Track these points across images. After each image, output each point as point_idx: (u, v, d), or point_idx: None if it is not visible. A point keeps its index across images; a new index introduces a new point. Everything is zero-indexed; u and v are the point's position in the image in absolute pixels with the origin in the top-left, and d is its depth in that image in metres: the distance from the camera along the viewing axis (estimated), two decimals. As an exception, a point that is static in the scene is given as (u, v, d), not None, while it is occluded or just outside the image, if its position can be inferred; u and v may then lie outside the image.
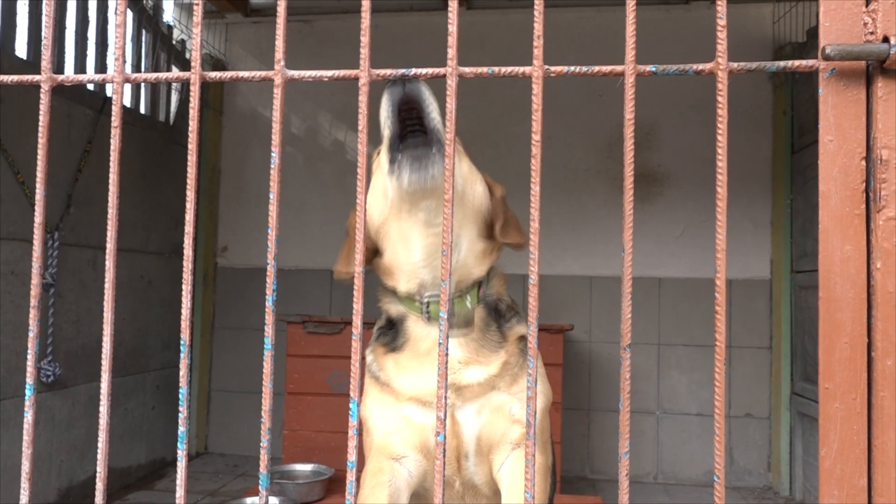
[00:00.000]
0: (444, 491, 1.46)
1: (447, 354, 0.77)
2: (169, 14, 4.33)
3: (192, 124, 0.84)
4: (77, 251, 3.31)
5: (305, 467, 3.40)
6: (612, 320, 4.16)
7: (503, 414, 1.39)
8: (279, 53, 0.81)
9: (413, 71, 0.80)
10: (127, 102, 3.85)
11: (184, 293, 0.82)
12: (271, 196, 0.81)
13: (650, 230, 4.09)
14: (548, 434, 1.53)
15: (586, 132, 4.21)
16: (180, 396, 0.82)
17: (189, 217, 0.83)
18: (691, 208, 4.10)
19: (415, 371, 1.40)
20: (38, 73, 0.88)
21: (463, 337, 1.40)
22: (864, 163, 0.76)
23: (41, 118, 0.86)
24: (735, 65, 0.75)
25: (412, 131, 1.27)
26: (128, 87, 3.80)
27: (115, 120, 0.85)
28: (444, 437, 0.76)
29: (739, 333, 4.03)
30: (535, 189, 0.76)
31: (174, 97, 4.28)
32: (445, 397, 0.75)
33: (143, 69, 3.94)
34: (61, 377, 3.16)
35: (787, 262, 3.95)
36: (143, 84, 3.98)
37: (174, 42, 4.26)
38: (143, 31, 3.95)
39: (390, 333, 1.47)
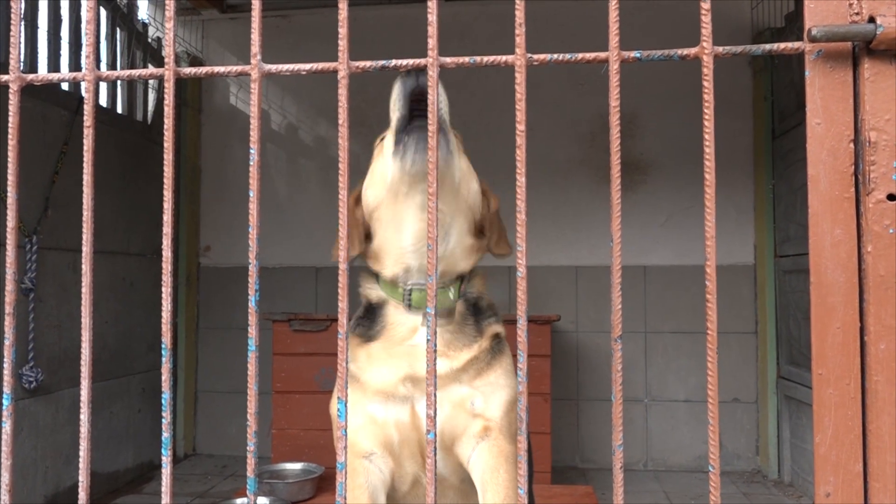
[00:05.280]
0: (412, 485, 1.46)
1: (435, 351, 0.75)
2: (144, 12, 4.26)
3: (168, 122, 0.82)
4: (57, 254, 3.26)
5: (295, 466, 3.38)
6: (599, 310, 4.17)
7: (464, 408, 1.39)
8: (255, 47, 0.78)
9: (393, 62, 0.78)
10: (103, 102, 3.79)
11: (163, 296, 0.80)
12: (251, 194, 0.79)
13: (634, 219, 4.10)
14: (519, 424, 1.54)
15: (568, 123, 4.21)
16: (163, 401, 0.80)
17: (167, 217, 0.81)
18: (675, 196, 4.11)
19: (384, 362, 1.40)
20: (7, 73, 0.85)
21: (441, 327, 1.40)
22: (852, 145, 0.76)
23: (10, 119, 0.83)
24: (720, 49, 0.73)
25: (420, 115, 1.30)
26: (104, 87, 3.74)
27: (88, 119, 0.83)
28: (434, 434, 0.75)
29: (725, 319, 4.05)
30: (521, 180, 0.75)
31: (151, 96, 4.22)
32: (434, 396, 0.74)
33: (118, 68, 3.88)
34: (44, 383, 3.11)
35: (771, 246, 3.97)
36: (119, 83, 3.94)
37: (150, 40, 4.19)
38: (118, 30, 3.89)
39: (367, 322, 1.47)
